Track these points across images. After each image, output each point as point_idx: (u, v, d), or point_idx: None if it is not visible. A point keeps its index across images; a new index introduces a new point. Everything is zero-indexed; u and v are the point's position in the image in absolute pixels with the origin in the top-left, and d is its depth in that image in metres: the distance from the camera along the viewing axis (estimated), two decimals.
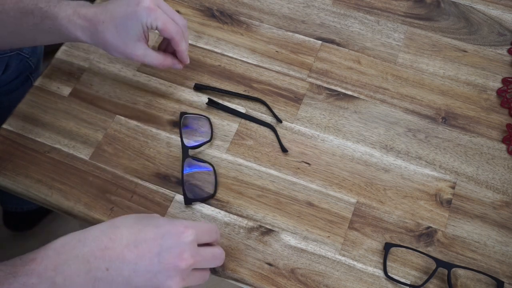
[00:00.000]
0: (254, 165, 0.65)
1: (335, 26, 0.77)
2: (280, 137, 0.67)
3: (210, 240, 0.52)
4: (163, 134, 0.67)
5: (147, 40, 0.62)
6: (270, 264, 0.59)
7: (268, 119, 0.69)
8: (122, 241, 0.46)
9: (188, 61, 0.66)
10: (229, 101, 0.70)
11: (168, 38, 0.61)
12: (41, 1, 0.59)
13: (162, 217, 0.51)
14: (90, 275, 0.45)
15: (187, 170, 0.63)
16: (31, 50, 0.88)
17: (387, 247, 0.60)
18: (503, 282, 0.58)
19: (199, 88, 0.70)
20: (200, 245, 0.50)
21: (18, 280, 0.44)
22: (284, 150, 0.66)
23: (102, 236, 0.47)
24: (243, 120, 0.68)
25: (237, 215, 0.62)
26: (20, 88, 0.88)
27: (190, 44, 0.74)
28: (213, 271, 0.58)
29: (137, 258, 0.46)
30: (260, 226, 0.61)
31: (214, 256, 0.52)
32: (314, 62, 0.74)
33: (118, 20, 0.58)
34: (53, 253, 0.46)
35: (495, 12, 0.79)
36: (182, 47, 0.63)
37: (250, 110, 0.69)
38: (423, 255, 0.60)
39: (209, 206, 0.62)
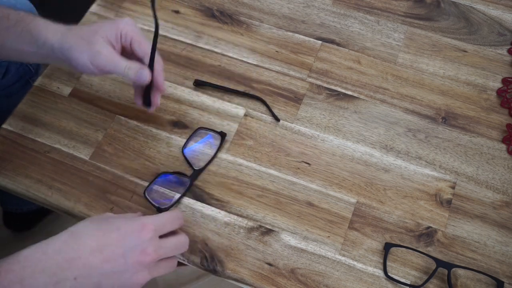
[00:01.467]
0: (254, 165, 0.65)
1: (335, 26, 0.77)
2: (280, 137, 0.67)
3: (172, 228, 0.53)
4: (163, 134, 0.67)
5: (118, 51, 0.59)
6: (270, 264, 0.59)
7: (268, 119, 0.69)
8: (86, 249, 0.47)
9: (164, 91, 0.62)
10: (229, 101, 0.70)
11: (137, 55, 0.59)
12: (24, 12, 0.58)
13: (120, 217, 0.52)
14: (58, 286, 0.46)
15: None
16: None
17: (387, 247, 0.60)
18: (503, 282, 0.58)
19: (199, 84, 0.70)
20: (164, 235, 0.52)
21: None
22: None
23: (66, 247, 0.47)
24: (243, 120, 0.68)
25: (237, 215, 0.62)
26: (20, 92, 0.88)
27: (190, 44, 0.74)
28: (213, 271, 0.59)
29: (104, 262, 0.47)
30: (260, 226, 0.61)
31: (177, 245, 0.53)
32: (314, 62, 0.74)
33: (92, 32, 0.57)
34: (18, 267, 0.45)
35: (495, 12, 0.79)
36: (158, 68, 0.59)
37: (250, 110, 0.69)
38: (423, 255, 0.60)
39: (209, 206, 0.62)
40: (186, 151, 0.65)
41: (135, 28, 0.58)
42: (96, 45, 0.55)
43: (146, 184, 0.63)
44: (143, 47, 0.58)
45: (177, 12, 0.77)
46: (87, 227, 0.49)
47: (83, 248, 0.47)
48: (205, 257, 0.59)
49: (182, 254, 0.59)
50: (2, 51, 0.59)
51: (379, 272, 0.59)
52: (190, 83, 0.71)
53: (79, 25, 0.73)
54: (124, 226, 0.49)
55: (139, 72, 0.56)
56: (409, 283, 0.58)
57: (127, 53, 0.60)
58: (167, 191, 0.63)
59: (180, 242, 0.54)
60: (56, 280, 0.46)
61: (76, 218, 0.62)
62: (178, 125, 0.68)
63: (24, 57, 0.60)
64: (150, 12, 0.77)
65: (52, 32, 0.56)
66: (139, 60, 0.59)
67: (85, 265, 0.47)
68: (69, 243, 0.47)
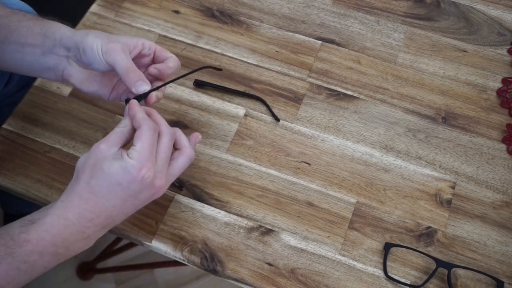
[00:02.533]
0: (254, 165, 0.65)
1: (335, 26, 0.77)
2: (280, 137, 0.67)
3: (168, 147, 0.52)
4: None
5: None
6: (270, 264, 0.59)
7: (268, 119, 0.69)
8: (102, 209, 0.49)
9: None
10: (229, 101, 0.70)
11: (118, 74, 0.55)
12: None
13: (112, 165, 0.49)
14: (89, 239, 0.50)
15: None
16: None
17: (387, 247, 0.60)
18: (503, 282, 0.58)
19: (199, 84, 0.70)
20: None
21: (18, 259, 0.46)
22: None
23: (84, 211, 0.49)
24: (243, 120, 0.68)
25: (237, 215, 0.62)
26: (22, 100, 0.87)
27: (190, 44, 0.74)
28: (213, 271, 0.59)
29: (121, 213, 0.51)
30: (260, 226, 0.61)
31: (183, 165, 0.53)
32: (314, 62, 0.74)
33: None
34: (47, 235, 0.47)
35: (495, 12, 0.79)
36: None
37: (250, 110, 0.69)
38: (423, 255, 0.60)
39: (209, 206, 0.62)
40: None
41: (154, 44, 0.58)
42: (113, 41, 0.54)
43: None
44: (165, 55, 0.58)
45: (177, 12, 0.77)
46: (89, 184, 0.49)
47: (99, 209, 0.49)
48: (205, 257, 0.59)
49: (182, 254, 0.59)
50: (4, 47, 0.58)
51: (379, 272, 0.59)
52: (190, 83, 0.71)
53: (80, 26, 0.73)
54: (122, 178, 0.48)
55: (139, 82, 0.54)
56: (409, 283, 0.58)
57: (141, 63, 0.59)
58: None
59: (184, 162, 0.53)
60: (87, 235, 0.50)
61: None
62: (178, 125, 0.68)
63: (23, 55, 0.58)
64: (150, 12, 0.77)
65: (65, 27, 0.56)
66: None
67: (106, 218, 0.50)
68: (85, 206, 0.49)
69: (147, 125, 0.50)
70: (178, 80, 0.71)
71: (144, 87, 0.53)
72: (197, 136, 0.58)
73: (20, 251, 0.46)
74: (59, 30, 0.56)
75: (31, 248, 0.46)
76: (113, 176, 0.48)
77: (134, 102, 0.53)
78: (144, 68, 0.58)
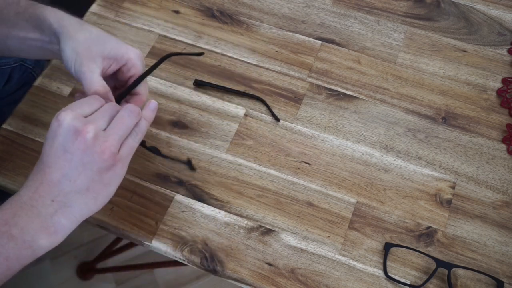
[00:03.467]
0: (254, 165, 0.65)
1: (335, 26, 0.77)
2: (280, 137, 0.67)
3: (123, 118, 0.49)
4: (163, 134, 0.67)
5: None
6: (270, 264, 0.59)
7: (268, 119, 0.69)
8: (44, 178, 0.47)
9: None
10: (229, 101, 0.70)
11: (122, 76, 0.57)
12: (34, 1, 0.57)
13: (57, 134, 0.47)
14: (42, 215, 0.46)
15: None
16: (34, 61, 0.87)
17: (387, 247, 0.60)
18: (503, 282, 0.58)
19: (199, 84, 0.70)
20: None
21: None
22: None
23: (29, 182, 0.47)
24: (243, 120, 0.68)
25: (237, 215, 0.62)
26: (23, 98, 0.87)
27: (190, 44, 0.74)
28: (213, 271, 0.59)
29: (68, 175, 0.47)
30: (260, 226, 0.61)
31: (128, 125, 0.50)
32: (314, 62, 0.74)
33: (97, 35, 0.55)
34: (6, 228, 0.45)
35: (495, 12, 0.79)
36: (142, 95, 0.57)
37: (250, 110, 0.69)
38: (423, 255, 0.60)
39: (209, 206, 0.62)
40: None
41: (140, 64, 0.56)
42: (89, 60, 0.53)
43: (146, 184, 0.63)
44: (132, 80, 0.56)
45: (177, 12, 0.77)
46: (41, 166, 0.48)
47: (42, 176, 0.47)
48: (205, 257, 0.59)
49: (182, 254, 0.59)
50: (8, 41, 0.58)
51: (379, 272, 0.59)
52: (190, 83, 0.71)
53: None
54: (55, 135, 0.47)
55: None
56: (409, 283, 0.58)
57: (114, 77, 0.58)
58: None
59: (129, 122, 0.50)
60: (38, 211, 0.46)
61: None
62: (178, 125, 0.68)
63: (27, 46, 0.59)
64: (150, 12, 0.77)
65: (58, 16, 0.55)
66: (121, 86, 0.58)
67: (50, 185, 0.47)
68: (31, 176, 0.47)
69: (92, 96, 0.50)
70: (176, 80, 0.71)
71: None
72: (153, 103, 0.55)
73: None
74: (51, 26, 0.55)
75: None
76: (49, 133, 0.47)
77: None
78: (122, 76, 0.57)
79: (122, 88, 0.58)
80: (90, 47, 0.53)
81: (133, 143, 0.51)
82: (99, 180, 0.48)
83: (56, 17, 0.55)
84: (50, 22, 0.55)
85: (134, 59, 0.56)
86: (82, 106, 0.49)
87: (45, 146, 0.48)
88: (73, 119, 0.46)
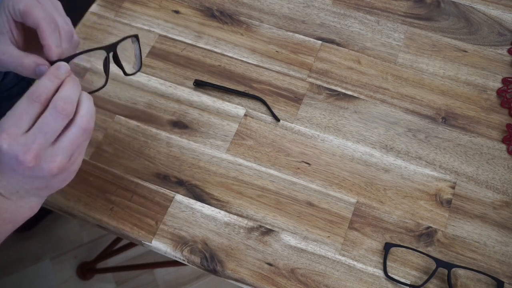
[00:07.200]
0: (254, 165, 0.65)
1: (335, 26, 0.77)
2: (280, 137, 0.67)
3: (50, 122, 0.43)
4: (163, 134, 0.67)
5: (13, 37, 0.49)
6: (270, 264, 0.59)
7: (268, 119, 0.69)
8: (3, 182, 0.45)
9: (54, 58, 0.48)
10: (229, 101, 0.70)
11: (33, 27, 0.47)
12: None
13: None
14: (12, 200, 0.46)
15: None
16: None
17: (387, 247, 0.60)
18: (503, 282, 0.58)
19: (199, 84, 0.70)
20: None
21: None
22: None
23: None
24: (243, 120, 0.68)
25: (237, 215, 0.62)
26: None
27: (190, 44, 0.74)
28: (213, 271, 0.59)
29: (19, 183, 0.45)
30: (260, 226, 0.61)
31: (73, 140, 0.44)
32: (314, 62, 0.74)
33: None
34: None
35: (495, 12, 0.79)
36: (50, 41, 0.47)
37: (250, 110, 0.69)
38: (423, 255, 0.60)
39: (209, 206, 0.62)
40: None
41: (36, 9, 0.47)
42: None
43: (146, 184, 0.63)
44: (34, 17, 0.47)
45: (177, 12, 0.77)
46: None
47: None
48: (205, 257, 0.59)
49: (182, 254, 0.59)
50: None
51: (379, 272, 0.59)
52: (190, 83, 0.71)
53: (80, 26, 0.72)
54: (14, 167, 0.43)
55: (37, 70, 0.48)
56: (409, 283, 0.58)
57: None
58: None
59: (75, 135, 0.44)
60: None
61: (76, 218, 0.62)
62: (178, 125, 0.68)
63: None
64: (150, 12, 0.77)
65: None
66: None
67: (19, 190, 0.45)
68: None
69: (25, 100, 0.44)
70: (176, 80, 0.71)
71: (43, 70, 0.47)
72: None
73: None
74: None
75: None
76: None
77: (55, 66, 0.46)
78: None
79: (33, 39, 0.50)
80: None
81: (83, 146, 0.47)
82: (54, 182, 0.46)
83: None
84: None
85: (26, 7, 0.47)
86: (18, 121, 0.43)
87: None
88: (10, 146, 0.42)
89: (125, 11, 0.77)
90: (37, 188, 0.46)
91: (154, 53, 0.73)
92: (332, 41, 0.76)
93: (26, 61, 0.47)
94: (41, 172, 0.44)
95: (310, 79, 0.72)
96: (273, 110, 0.69)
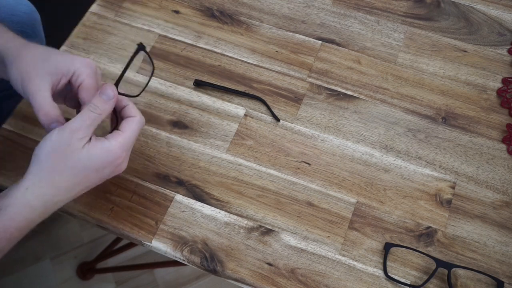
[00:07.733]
0: (254, 165, 0.65)
1: (335, 26, 0.77)
2: (280, 137, 0.67)
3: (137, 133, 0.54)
4: (163, 134, 0.67)
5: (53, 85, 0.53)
6: (270, 264, 0.59)
7: (268, 119, 0.69)
8: (69, 196, 0.51)
9: None
10: (229, 101, 0.70)
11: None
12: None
13: (92, 151, 0.50)
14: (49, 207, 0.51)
15: None
16: None
17: (387, 247, 0.60)
18: (503, 282, 0.58)
19: (199, 84, 0.70)
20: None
21: None
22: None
23: (50, 198, 0.50)
24: (243, 120, 0.68)
25: (237, 215, 0.62)
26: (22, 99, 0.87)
27: (190, 44, 0.74)
28: (213, 271, 0.59)
29: (87, 188, 0.53)
30: (260, 226, 0.61)
31: (136, 132, 0.54)
32: (314, 62, 0.74)
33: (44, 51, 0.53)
34: (13, 223, 0.48)
35: (495, 12, 0.79)
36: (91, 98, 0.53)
37: (250, 110, 0.69)
38: (423, 255, 0.60)
39: (209, 206, 0.62)
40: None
41: (91, 72, 0.53)
42: (33, 79, 0.51)
43: (146, 184, 0.63)
44: (88, 96, 0.53)
45: (177, 12, 0.77)
46: (61, 171, 0.49)
47: (66, 195, 0.51)
48: (205, 257, 0.59)
49: (182, 254, 0.59)
50: None
51: (379, 272, 0.59)
52: (190, 83, 0.71)
53: (80, 26, 0.72)
54: (100, 164, 0.51)
55: (53, 124, 0.52)
56: (409, 283, 0.58)
57: (67, 90, 0.56)
58: None
59: (135, 124, 0.53)
60: (48, 215, 0.51)
61: (76, 218, 0.62)
62: (178, 125, 0.68)
63: None
64: (150, 12, 0.77)
65: (3, 38, 0.54)
66: (77, 102, 0.55)
67: (69, 199, 0.51)
68: (52, 191, 0.49)
69: (139, 119, 0.54)
70: (176, 80, 0.71)
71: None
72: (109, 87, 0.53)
73: None
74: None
75: None
76: (93, 161, 0.50)
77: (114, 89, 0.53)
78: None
79: (73, 98, 0.56)
80: (35, 65, 0.52)
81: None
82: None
83: (1, 39, 0.54)
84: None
85: (80, 68, 0.53)
86: (131, 135, 0.53)
87: (74, 164, 0.49)
88: (120, 148, 0.51)
89: (125, 11, 0.77)
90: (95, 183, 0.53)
91: (154, 53, 0.73)
92: (332, 41, 0.76)
93: (52, 114, 0.52)
94: (114, 172, 0.53)
95: (310, 79, 0.72)
96: (273, 110, 0.69)
